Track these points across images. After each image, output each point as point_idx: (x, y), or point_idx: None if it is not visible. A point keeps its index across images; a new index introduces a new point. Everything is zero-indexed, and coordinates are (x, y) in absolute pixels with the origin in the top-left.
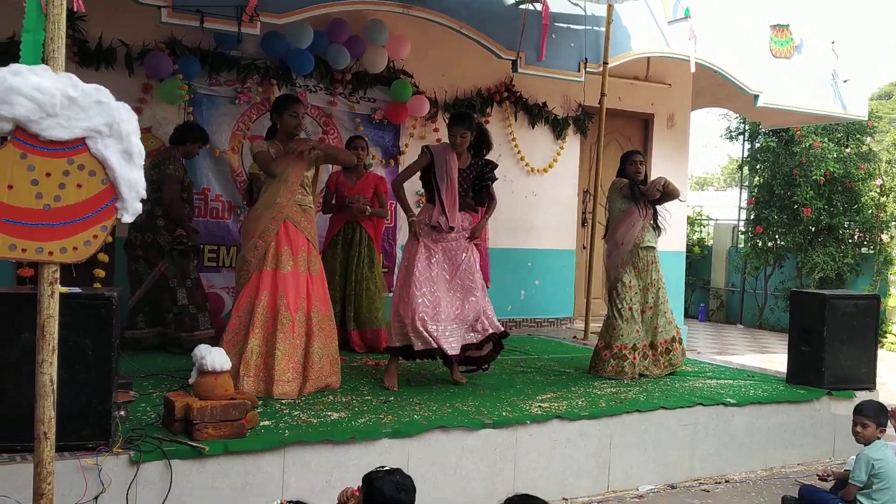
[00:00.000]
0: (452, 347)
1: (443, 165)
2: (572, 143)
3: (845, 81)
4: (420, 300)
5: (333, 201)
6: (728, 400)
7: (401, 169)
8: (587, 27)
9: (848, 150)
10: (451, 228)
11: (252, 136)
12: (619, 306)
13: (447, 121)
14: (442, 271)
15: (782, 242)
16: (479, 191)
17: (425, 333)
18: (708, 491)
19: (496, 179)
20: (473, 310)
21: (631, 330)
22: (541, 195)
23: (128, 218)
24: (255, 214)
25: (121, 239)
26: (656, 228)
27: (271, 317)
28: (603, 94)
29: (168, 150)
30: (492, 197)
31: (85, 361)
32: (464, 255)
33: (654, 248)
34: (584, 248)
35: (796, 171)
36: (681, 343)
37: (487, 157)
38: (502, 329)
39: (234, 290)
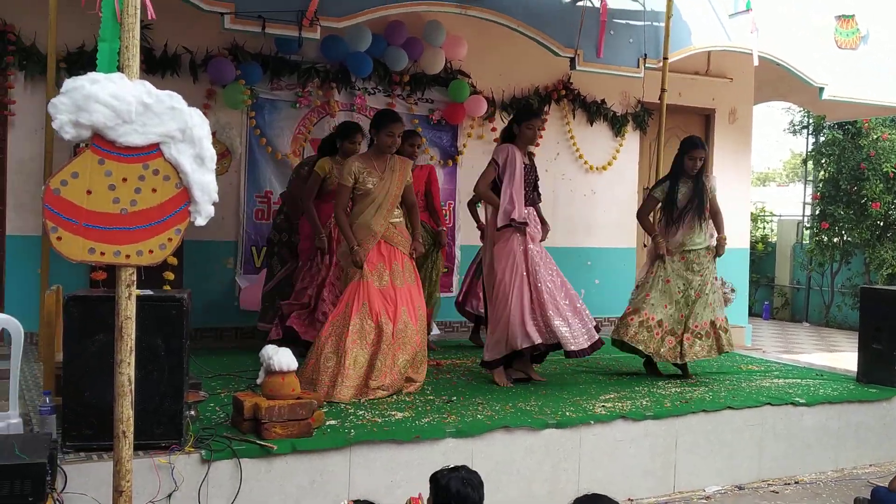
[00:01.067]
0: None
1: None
2: (631, 140)
3: None
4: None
5: None
6: (797, 399)
7: (460, 171)
8: (646, 22)
9: None
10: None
11: (313, 140)
12: (657, 275)
13: (517, 116)
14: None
15: (849, 238)
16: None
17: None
18: (777, 492)
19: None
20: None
21: (662, 303)
22: (600, 193)
23: (200, 221)
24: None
25: (192, 242)
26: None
27: (374, 330)
28: (663, 90)
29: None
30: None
31: (157, 362)
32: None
33: (702, 248)
34: (645, 245)
35: (864, 165)
36: (727, 332)
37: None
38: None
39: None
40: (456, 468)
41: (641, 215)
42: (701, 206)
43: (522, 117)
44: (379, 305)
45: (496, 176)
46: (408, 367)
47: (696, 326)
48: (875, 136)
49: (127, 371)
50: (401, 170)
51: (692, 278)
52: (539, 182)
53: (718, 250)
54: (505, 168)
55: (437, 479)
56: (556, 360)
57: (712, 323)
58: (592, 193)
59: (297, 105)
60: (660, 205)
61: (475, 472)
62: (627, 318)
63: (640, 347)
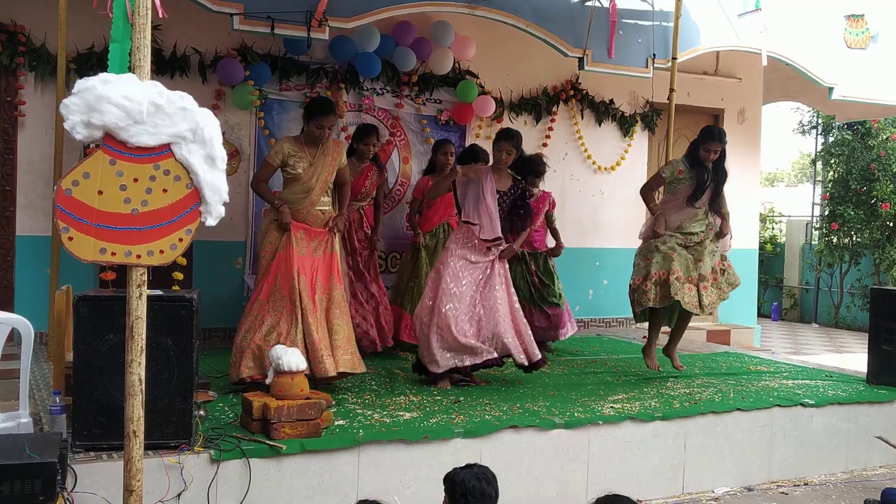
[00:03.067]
0: None
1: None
2: (640, 140)
3: None
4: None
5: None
6: (806, 401)
7: None
8: (655, 22)
9: None
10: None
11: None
12: (656, 246)
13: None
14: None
15: (858, 239)
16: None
17: None
18: (787, 494)
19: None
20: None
21: (668, 260)
22: (608, 194)
23: (211, 221)
24: (271, 212)
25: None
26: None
27: (309, 299)
28: (672, 90)
29: None
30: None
31: (167, 362)
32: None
33: (697, 233)
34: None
35: (874, 166)
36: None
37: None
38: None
39: None
40: (468, 465)
41: (645, 190)
42: (710, 197)
43: (495, 138)
44: (309, 272)
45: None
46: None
47: (715, 266)
48: (885, 137)
49: (137, 371)
50: (333, 153)
51: (693, 252)
52: (521, 211)
53: (724, 243)
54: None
55: (451, 479)
56: (565, 361)
57: (723, 258)
58: (601, 194)
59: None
60: (663, 185)
61: (487, 468)
62: (640, 286)
63: (667, 303)
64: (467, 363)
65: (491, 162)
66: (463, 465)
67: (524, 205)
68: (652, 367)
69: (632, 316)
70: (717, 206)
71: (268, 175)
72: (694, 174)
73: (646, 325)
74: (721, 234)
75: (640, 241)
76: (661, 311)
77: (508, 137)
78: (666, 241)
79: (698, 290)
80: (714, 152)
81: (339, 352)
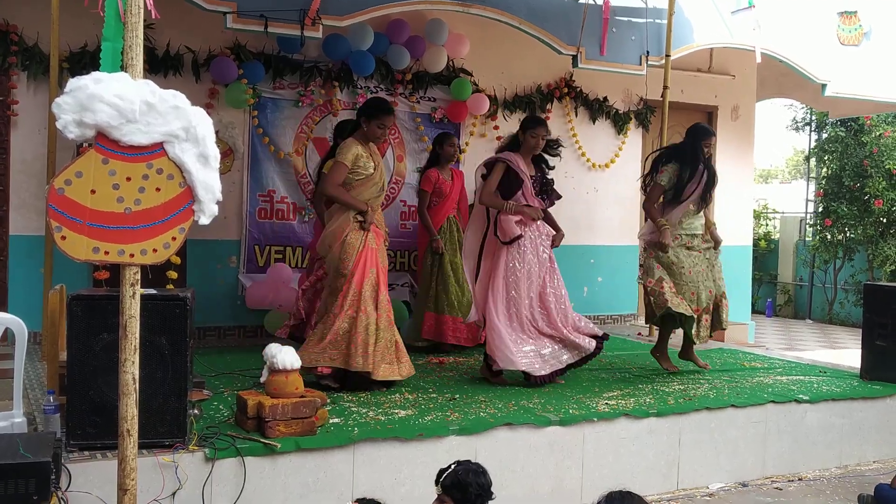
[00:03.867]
0: None
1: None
2: (634, 137)
3: None
4: None
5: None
6: (801, 397)
7: (463, 169)
8: (648, 20)
9: None
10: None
11: (316, 139)
12: (663, 260)
13: (522, 123)
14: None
15: (852, 235)
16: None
17: None
18: (781, 489)
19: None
20: None
21: (681, 279)
22: (602, 191)
23: (204, 220)
24: (343, 217)
25: (195, 241)
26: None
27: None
28: (665, 87)
29: None
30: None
31: (161, 361)
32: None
33: (697, 235)
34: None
35: (867, 162)
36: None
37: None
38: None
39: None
40: (459, 462)
41: (649, 205)
42: (705, 193)
43: (527, 125)
44: (381, 274)
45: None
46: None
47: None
48: (878, 133)
49: (131, 370)
50: (378, 152)
51: (698, 260)
52: (549, 189)
53: (716, 239)
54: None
55: (459, 483)
56: None
57: (722, 294)
58: (595, 191)
59: (300, 104)
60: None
61: (469, 460)
62: (656, 289)
63: (682, 310)
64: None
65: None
66: (449, 467)
67: (549, 187)
68: (671, 370)
69: (626, 312)
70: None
71: (343, 177)
72: (688, 172)
73: (644, 321)
74: (714, 242)
75: (639, 241)
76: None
77: (543, 123)
78: (671, 254)
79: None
80: (713, 146)
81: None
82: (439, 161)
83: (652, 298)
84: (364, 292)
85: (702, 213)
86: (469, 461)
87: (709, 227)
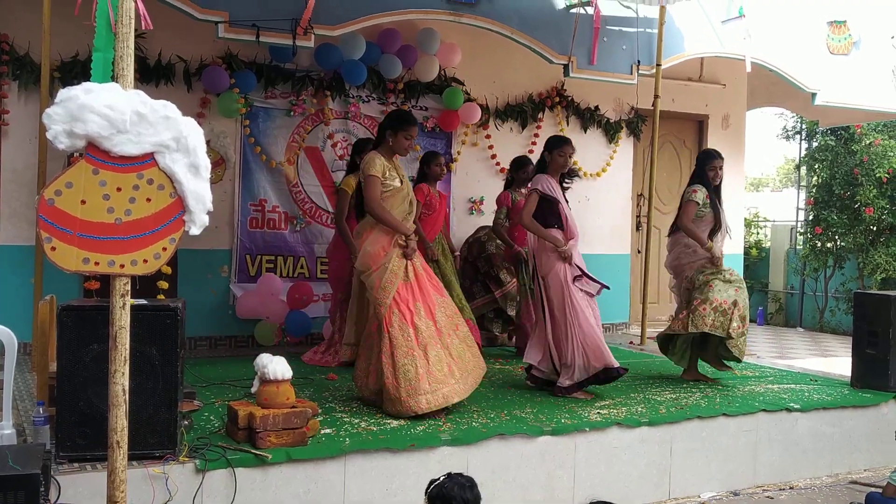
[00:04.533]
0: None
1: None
2: (625, 146)
3: None
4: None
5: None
6: (792, 405)
7: (454, 178)
8: (639, 29)
9: None
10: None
11: (307, 148)
12: (710, 274)
13: (547, 144)
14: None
15: (842, 243)
16: None
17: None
18: (772, 498)
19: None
20: None
21: (727, 288)
22: (594, 200)
23: (195, 230)
24: (379, 232)
25: (186, 250)
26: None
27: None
28: (656, 96)
29: None
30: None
31: (152, 371)
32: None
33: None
34: (639, 252)
35: (857, 171)
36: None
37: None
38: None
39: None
40: (448, 477)
41: (686, 222)
42: (724, 221)
43: (554, 144)
44: (429, 302)
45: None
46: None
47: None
48: (868, 142)
49: (121, 381)
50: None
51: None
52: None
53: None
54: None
55: (444, 496)
56: None
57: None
58: (587, 200)
59: (292, 113)
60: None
61: (461, 474)
62: (698, 308)
63: (719, 333)
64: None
65: (549, 168)
66: (438, 478)
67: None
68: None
69: (618, 321)
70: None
71: (379, 191)
72: (711, 199)
73: (636, 330)
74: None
75: (670, 272)
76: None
77: (569, 142)
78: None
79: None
80: (720, 168)
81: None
82: (426, 179)
83: (690, 314)
84: (420, 329)
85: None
86: (460, 475)
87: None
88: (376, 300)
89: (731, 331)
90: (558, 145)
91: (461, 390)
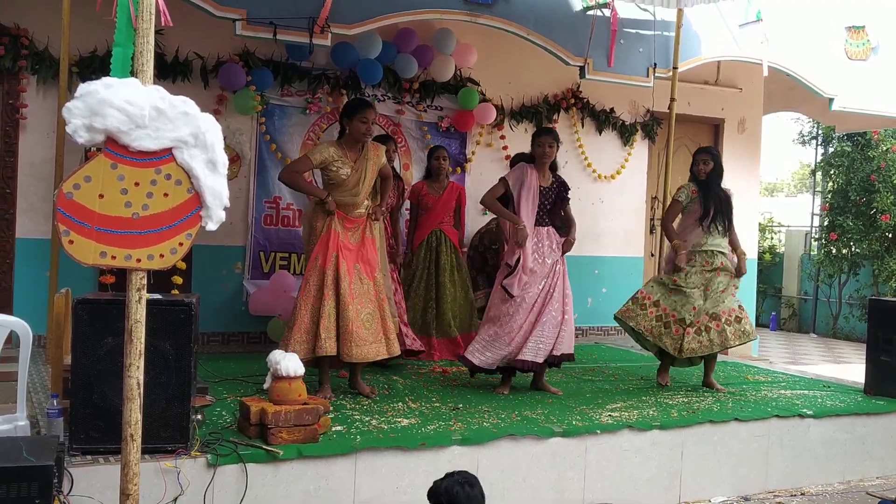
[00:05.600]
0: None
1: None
2: (640, 149)
3: None
4: None
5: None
6: (805, 411)
7: (469, 178)
8: (656, 32)
9: None
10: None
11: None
12: (676, 281)
13: (533, 134)
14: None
15: (857, 249)
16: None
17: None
18: (783, 503)
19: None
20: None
21: (683, 301)
22: (608, 202)
23: (212, 226)
24: (313, 216)
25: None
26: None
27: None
28: (672, 100)
29: None
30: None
31: (165, 366)
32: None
33: (721, 252)
34: (653, 255)
35: (874, 177)
36: (737, 323)
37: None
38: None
39: None
40: (448, 475)
41: (666, 222)
42: (720, 214)
43: (533, 135)
44: (349, 257)
45: (504, 193)
46: (373, 320)
47: (726, 312)
48: (885, 148)
49: (136, 374)
50: (374, 157)
51: (711, 276)
52: (566, 203)
53: (739, 269)
54: (515, 188)
55: (435, 492)
56: (564, 369)
57: (740, 307)
58: (601, 202)
59: (307, 111)
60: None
61: (466, 471)
62: (641, 301)
63: (659, 342)
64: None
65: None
66: (438, 478)
67: (567, 198)
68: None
69: None
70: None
71: (304, 169)
72: (700, 193)
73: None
74: (738, 271)
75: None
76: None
77: (546, 132)
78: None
79: (683, 334)
80: (703, 162)
81: (367, 343)
82: (430, 174)
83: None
84: (326, 277)
85: (722, 235)
86: (463, 472)
87: (739, 258)
88: (307, 255)
89: (683, 345)
90: (537, 136)
91: (331, 348)
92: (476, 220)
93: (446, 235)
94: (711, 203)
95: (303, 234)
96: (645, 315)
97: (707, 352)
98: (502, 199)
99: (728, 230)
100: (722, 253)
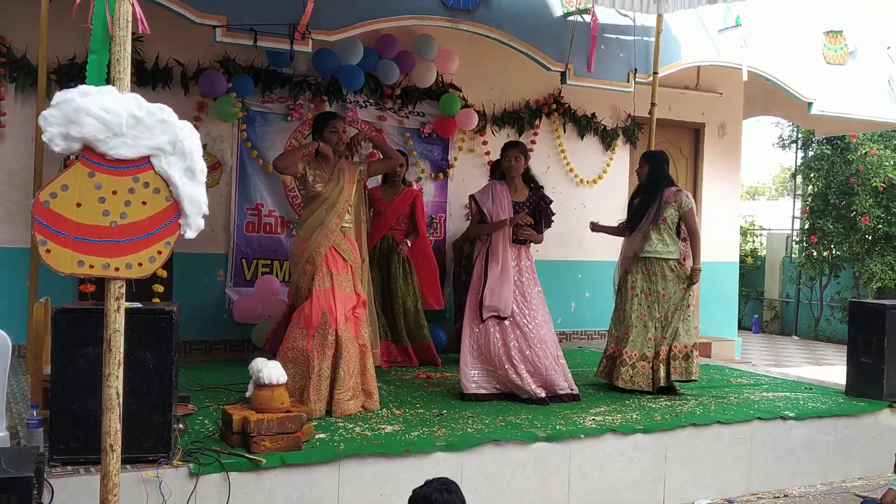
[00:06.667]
0: None
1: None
2: (622, 153)
3: None
4: None
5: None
6: (787, 413)
7: (451, 184)
8: (636, 37)
9: None
10: None
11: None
12: (625, 309)
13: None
14: None
15: (838, 252)
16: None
17: None
18: None
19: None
20: None
21: (638, 336)
22: (590, 207)
23: (190, 234)
24: (299, 239)
25: (182, 254)
26: (669, 237)
27: (335, 338)
28: (653, 104)
29: None
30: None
31: (146, 375)
32: None
33: (662, 259)
34: None
35: (853, 180)
36: (688, 360)
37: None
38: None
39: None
40: (427, 482)
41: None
42: (653, 218)
43: (502, 150)
44: (336, 311)
45: (479, 211)
46: (356, 374)
47: (676, 348)
48: (864, 151)
49: (115, 384)
50: (349, 172)
51: (658, 295)
52: (547, 216)
53: (692, 278)
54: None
55: (414, 499)
56: None
57: (691, 345)
58: (583, 207)
59: (289, 118)
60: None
61: (446, 478)
62: (615, 359)
63: (638, 387)
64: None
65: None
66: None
67: (545, 208)
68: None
69: None
70: (688, 233)
71: (291, 158)
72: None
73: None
74: (692, 271)
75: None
76: None
77: (511, 145)
78: (636, 284)
79: (652, 367)
80: (640, 165)
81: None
82: (386, 179)
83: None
84: (316, 336)
85: (659, 240)
86: (442, 479)
87: (692, 269)
88: (296, 294)
89: (647, 385)
90: (504, 150)
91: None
92: (459, 228)
93: (397, 243)
94: (645, 208)
95: (291, 262)
96: (640, 372)
97: (682, 379)
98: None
99: (664, 232)
100: (656, 259)
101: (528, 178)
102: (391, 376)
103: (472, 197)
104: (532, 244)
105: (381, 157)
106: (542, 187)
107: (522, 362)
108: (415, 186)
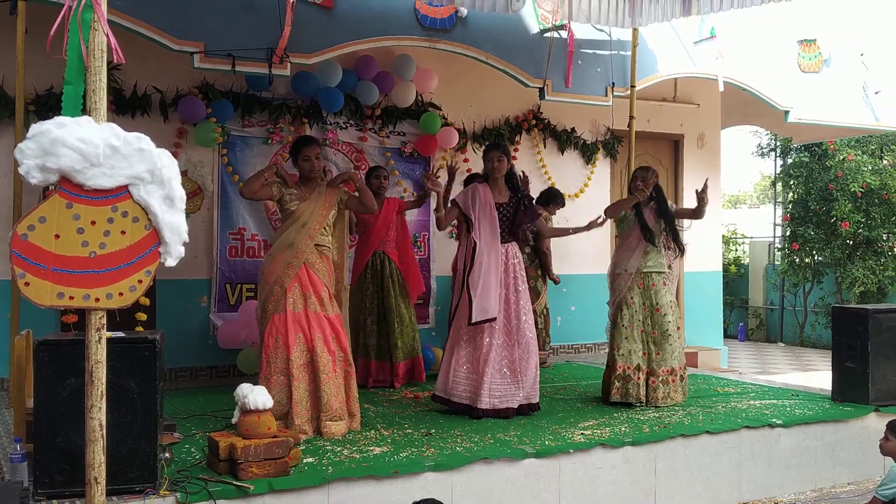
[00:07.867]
0: None
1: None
2: (602, 167)
3: (877, 93)
4: None
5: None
6: (774, 421)
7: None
8: (613, 52)
9: (885, 161)
10: None
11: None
12: (622, 323)
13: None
14: None
15: (820, 258)
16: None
17: None
18: None
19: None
20: None
21: (632, 349)
22: (573, 220)
23: (171, 262)
24: (269, 258)
25: (164, 281)
26: (671, 250)
27: (309, 359)
28: (631, 117)
29: None
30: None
31: (131, 405)
32: None
33: (661, 272)
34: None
35: (832, 186)
36: (683, 381)
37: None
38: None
39: None
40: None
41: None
42: (650, 233)
43: (483, 152)
44: (312, 333)
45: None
46: (332, 396)
47: (662, 372)
48: (841, 157)
49: (98, 416)
50: (327, 194)
51: (652, 310)
52: (527, 220)
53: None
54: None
55: None
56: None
57: (673, 370)
58: (566, 221)
59: (269, 141)
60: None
61: (433, 499)
62: (605, 377)
63: (627, 400)
64: None
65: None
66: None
67: (528, 213)
68: None
69: (601, 341)
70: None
71: (255, 185)
72: (635, 214)
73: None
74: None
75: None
76: None
77: (493, 147)
78: (626, 297)
79: (647, 382)
80: (640, 179)
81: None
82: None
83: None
84: (293, 359)
85: (658, 253)
86: (430, 500)
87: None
88: (262, 319)
89: (638, 395)
90: (485, 152)
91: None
92: (442, 245)
93: (389, 257)
94: (652, 225)
95: (259, 285)
96: (636, 383)
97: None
98: (463, 221)
99: (664, 246)
100: (653, 274)
101: (510, 179)
102: (378, 396)
103: (453, 200)
104: (523, 243)
105: (359, 197)
106: (522, 189)
107: (509, 368)
108: None
